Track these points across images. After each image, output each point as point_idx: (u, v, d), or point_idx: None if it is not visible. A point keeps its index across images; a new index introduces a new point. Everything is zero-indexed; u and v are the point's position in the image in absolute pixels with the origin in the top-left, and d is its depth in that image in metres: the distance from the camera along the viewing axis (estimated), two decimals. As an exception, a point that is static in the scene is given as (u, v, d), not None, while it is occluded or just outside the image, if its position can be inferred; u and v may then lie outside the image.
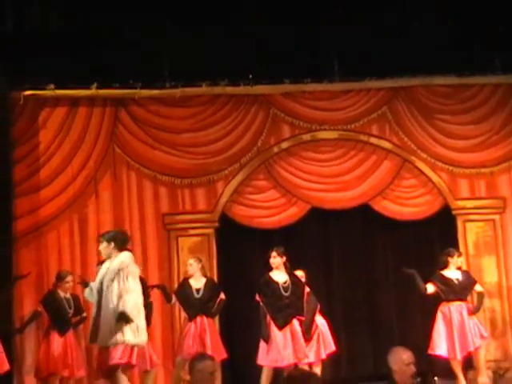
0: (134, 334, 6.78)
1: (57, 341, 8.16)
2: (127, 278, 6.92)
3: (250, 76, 9.55)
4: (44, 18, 8.35)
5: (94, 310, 6.93)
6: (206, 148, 9.66)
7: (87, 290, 7.11)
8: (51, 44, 8.60)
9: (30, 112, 9.30)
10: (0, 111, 8.83)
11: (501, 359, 9.50)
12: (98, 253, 7.27)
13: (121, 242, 7.07)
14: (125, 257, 7.02)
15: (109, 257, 6.99)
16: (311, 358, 8.35)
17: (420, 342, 8.50)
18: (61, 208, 9.28)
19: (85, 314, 8.62)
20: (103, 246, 7.03)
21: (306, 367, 8.19)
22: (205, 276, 8.79)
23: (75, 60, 8.72)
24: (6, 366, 7.92)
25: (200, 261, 8.83)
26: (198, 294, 8.59)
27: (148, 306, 8.20)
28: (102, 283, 6.88)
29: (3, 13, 8.09)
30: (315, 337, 8.44)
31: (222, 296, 8.65)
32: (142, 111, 9.57)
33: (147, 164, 9.55)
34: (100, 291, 6.87)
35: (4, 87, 8.90)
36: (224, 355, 8.44)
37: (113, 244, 7.01)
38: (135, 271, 7.02)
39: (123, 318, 6.72)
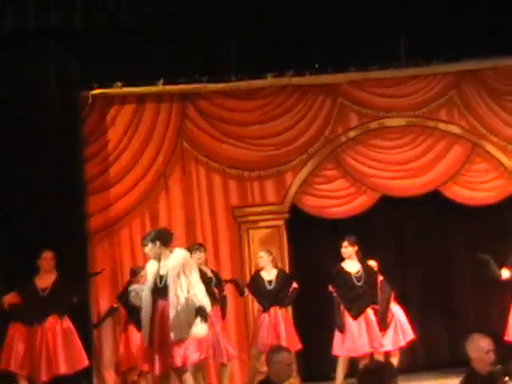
0: (203, 325, 6.94)
1: (135, 335, 8.27)
2: (191, 271, 7.06)
3: (316, 65, 9.51)
4: (111, 17, 8.43)
5: (147, 310, 7.04)
6: (273, 139, 9.66)
7: (132, 294, 7.24)
8: (118, 42, 8.71)
9: (99, 110, 9.43)
10: (70, 111, 8.95)
11: None
12: (146, 255, 7.33)
13: (166, 239, 7.20)
14: (183, 252, 7.20)
15: (157, 257, 7.10)
16: (389, 346, 8.32)
17: (497, 328, 8.35)
18: (132, 205, 9.40)
19: None
20: (149, 248, 7.13)
21: (382, 357, 8.16)
22: (276, 267, 8.81)
23: (141, 57, 8.82)
24: (86, 362, 8.07)
25: (271, 253, 8.85)
26: (270, 285, 8.62)
27: (222, 299, 8.31)
28: (156, 282, 7.04)
29: (73, 11, 8.20)
30: (392, 325, 8.40)
31: (295, 285, 8.66)
32: (209, 105, 9.62)
33: (215, 158, 9.61)
34: (156, 290, 7.01)
35: (73, 87, 9.03)
36: (299, 346, 8.46)
37: (158, 243, 7.12)
38: (194, 265, 7.23)
39: (202, 312, 6.83)
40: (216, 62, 9.16)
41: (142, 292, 7.24)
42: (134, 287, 7.51)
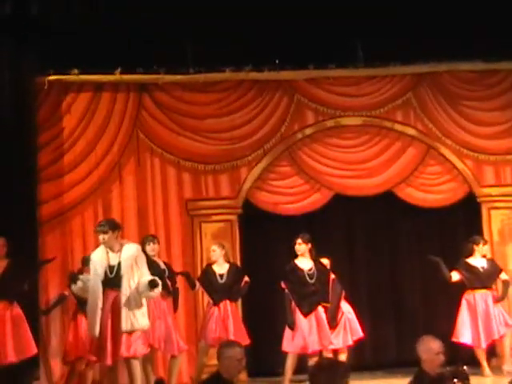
0: (146, 318, 7.06)
1: (84, 324, 8.18)
2: (142, 264, 7.14)
3: (276, 61, 9.50)
4: (68, 2, 8.32)
5: (97, 300, 7.01)
6: (229, 134, 9.63)
7: (79, 283, 7.23)
8: (75, 28, 8.59)
9: (55, 97, 9.29)
10: (24, 97, 8.80)
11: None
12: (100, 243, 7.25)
13: (120, 230, 7.35)
14: (136, 244, 7.31)
15: (110, 245, 7.11)
16: (338, 344, 8.35)
17: (444, 329, 8.47)
18: (85, 193, 9.29)
19: None
20: (109, 235, 7.13)
21: (331, 354, 8.20)
22: (228, 262, 8.79)
23: (99, 45, 8.70)
24: (34, 350, 7.97)
25: (223, 247, 8.83)
26: (221, 279, 8.60)
27: (175, 291, 8.26)
28: (106, 272, 7.05)
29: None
30: (342, 323, 8.44)
31: (247, 279, 8.66)
32: (166, 97, 9.54)
33: (171, 150, 9.54)
34: (106, 280, 7.03)
35: (28, 72, 8.88)
36: (247, 341, 8.44)
37: (117, 232, 7.18)
38: (144, 257, 7.30)
39: (154, 284, 6.99)
40: (174, 53, 9.08)
41: (88, 282, 7.18)
42: (81, 277, 7.42)
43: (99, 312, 7.01)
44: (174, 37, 8.86)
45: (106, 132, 9.38)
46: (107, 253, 7.16)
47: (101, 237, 7.18)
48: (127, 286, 7.02)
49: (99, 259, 7.14)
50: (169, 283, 8.15)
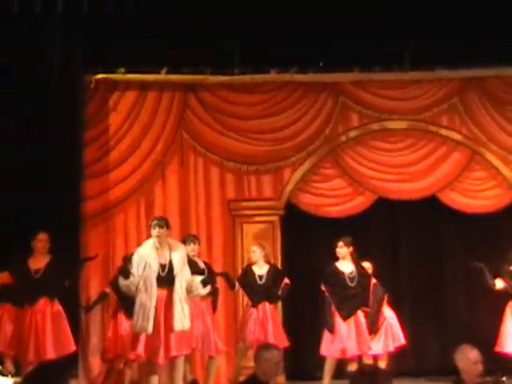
0: (188, 318, 7.18)
1: (124, 323, 8.23)
2: (186, 264, 7.25)
3: (320, 64, 9.48)
4: (119, 2, 8.39)
5: (151, 297, 7.02)
6: (273, 135, 9.63)
7: (131, 278, 7.15)
8: (123, 28, 8.66)
9: (101, 95, 9.39)
10: (72, 94, 8.92)
11: None
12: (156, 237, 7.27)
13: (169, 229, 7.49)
14: (182, 244, 7.44)
15: (161, 242, 7.17)
16: (379, 350, 8.30)
17: (488, 338, 8.36)
18: (129, 191, 9.37)
19: None
20: (164, 231, 7.21)
21: (371, 360, 8.15)
22: (268, 263, 8.78)
23: (146, 44, 8.76)
24: (73, 347, 8.04)
25: (263, 248, 8.82)
26: (260, 280, 8.59)
27: (214, 291, 8.28)
28: (158, 270, 7.07)
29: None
30: (383, 329, 8.38)
31: (287, 280, 8.62)
32: (211, 97, 9.58)
33: (214, 150, 9.57)
34: (159, 279, 7.04)
35: (76, 70, 8.99)
36: (286, 343, 8.42)
37: (168, 230, 7.32)
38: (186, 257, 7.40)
39: (206, 282, 7.29)
40: (220, 54, 9.11)
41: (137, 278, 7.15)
42: (133, 272, 7.41)
43: (153, 310, 7.03)
44: (221, 37, 8.88)
45: (150, 131, 9.45)
46: (156, 249, 7.18)
47: (156, 230, 7.19)
48: (179, 286, 7.09)
49: (151, 255, 7.13)
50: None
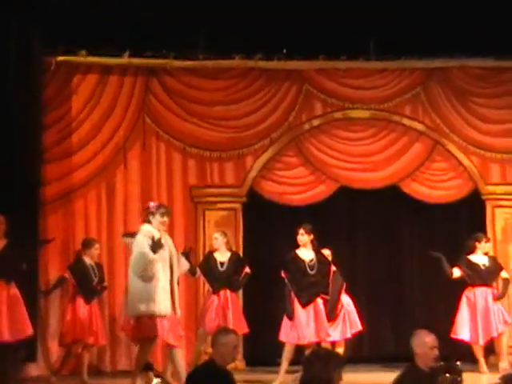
0: None
1: (83, 308, 8.20)
2: None
3: (284, 51, 9.47)
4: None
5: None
6: (236, 122, 9.62)
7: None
8: (85, 9, 8.57)
9: (62, 78, 9.28)
10: (32, 76, 8.79)
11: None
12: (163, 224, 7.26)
13: None
14: None
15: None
16: (336, 336, 8.35)
17: (443, 325, 8.45)
18: (89, 175, 9.30)
19: (106, 284, 8.68)
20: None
21: (329, 346, 8.19)
22: (230, 250, 8.78)
23: (108, 27, 8.67)
24: (30, 331, 7.96)
25: (225, 235, 8.82)
26: (222, 267, 8.59)
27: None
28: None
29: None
30: (341, 316, 8.44)
31: (247, 270, 8.64)
32: (174, 82, 9.53)
33: (177, 135, 9.53)
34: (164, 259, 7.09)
35: (37, 52, 8.87)
36: (245, 329, 8.45)
37: None
38: None
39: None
40: (184, 38, 9.05)
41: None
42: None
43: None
44: (185, 22, 8.83)
45: (112, 115, 9.38)
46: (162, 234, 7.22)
47: (165, 219, 7.22)
48: (177, 273, 7.33)
49: (161, 240, 7.10)
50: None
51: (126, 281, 7.97)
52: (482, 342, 8.37)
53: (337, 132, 9.76)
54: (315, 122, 9.73)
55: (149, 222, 7.18)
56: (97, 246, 8.61)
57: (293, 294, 8.05)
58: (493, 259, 8.75)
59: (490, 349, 8.63)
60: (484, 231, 9.35)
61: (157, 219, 7.16)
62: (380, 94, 9.76)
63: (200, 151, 9.55)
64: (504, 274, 8.73)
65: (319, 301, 8.07)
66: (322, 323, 8.03)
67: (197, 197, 9.56)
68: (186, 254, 8.58)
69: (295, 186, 9.69)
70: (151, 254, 6.99)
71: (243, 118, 9.62)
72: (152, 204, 7.44)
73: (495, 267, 8.65)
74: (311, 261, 8.16)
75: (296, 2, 8.85)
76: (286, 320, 8.08)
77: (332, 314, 8.25)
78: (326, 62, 9.60)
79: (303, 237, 8.23)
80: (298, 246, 8.34)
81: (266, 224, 9.66)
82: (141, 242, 7.06)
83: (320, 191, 9.67)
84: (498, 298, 8.53)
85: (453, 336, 8.42)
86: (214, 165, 9.61)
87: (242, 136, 9.60)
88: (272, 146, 9.64)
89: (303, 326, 7.95)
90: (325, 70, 9.68)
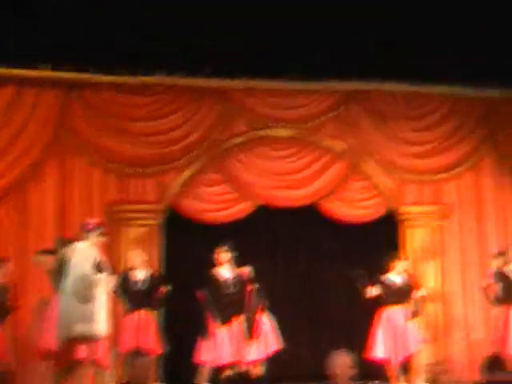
0: None
1: None
2: None
3: (208, 68, 9.49)
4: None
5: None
6: (158, 138, 9.56)
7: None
8: (5, 21, 8.41)
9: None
10: None
11: (436, 363, 9.64)
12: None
13: None
14: None
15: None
16: (255, 355, 8.35)
17: (361, 344, 8.55)
18: (3, 190, 9.06)
19: (17, 304, 8.43)
20: None
21: (247, 366, 8.18)
22: (148, 268, 8.70)
23: (27, 38, 8.53)
24: None
25: (144, 252, 8.74)
26: (139, 285, 8.50)
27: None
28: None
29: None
30: (259, 335, 8.43)
31: (166, 288, 8.56)
32: (95, 97, 9.41)
33: (97, 151, 9.40)
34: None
35: None
36: (160, 350, 8.31)
37: None
38: None
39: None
40: (107, 53, 8.96)
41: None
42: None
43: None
44: (109, 36, 8.76)
45: (28, 129, 9.16)
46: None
47: (102, 238, 7.21)
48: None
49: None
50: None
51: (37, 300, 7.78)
52: (398, 360, 8.51)
53: (258, 150, 9.82)
54: (237, 140, 9.77)
55: (84, 239, 7.09)
56: (7, 264, 8.35)
57: (211, 313, 8.03)
58: (408, 278, 8.91)
59: (406, 367, 8.77)
60: (400, 250, 9.54)
61: (94, 238, 7.12)
62: (302, 114, 9.87)
63: (120, 167, 9.46)
64: (420, 293, 8.91)
65: (237, 320, 8.08)
66: (240, 342, 8.03)
67: (116, 213, 9.44)
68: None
69: (216, 203, 9.69)
70: (94, 276, 6.92)
71: (165, 135, 9.58)
72: (90, 221, 7.38)
73: (410, 286, 8.82)
74: (230, 279, 8.17)
75: (219, 20, 8.88)
76: (203, 340, 8.05)
77: (250, 333, 8.26)
78: (249, 80, 9.65)
79: (222, 255, 8.24)
80: (216, 264, 8.34)
81: (186, 241, 9.62)
82: (80, 263, 6.96)
83: (241, 209, 9.70)
84: (413, 316, 8.69)
85: (370, 355, 8.53)
86: (135, 181, 9.52)
87: (164, 152, 9.55)
88: (194, 163, 9.63)
89: (221, 345, 7.94)
90: (248, 88, 9.74)
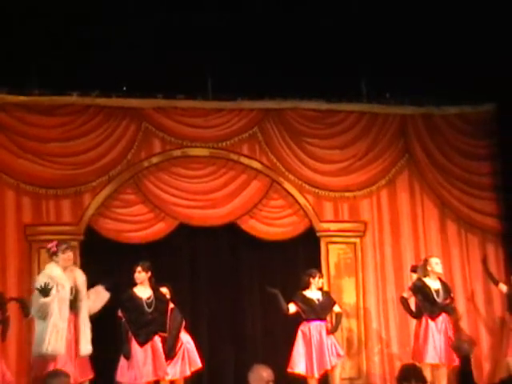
0: None
1: None
2: None
3: (124, 88, 9.46)
4: None
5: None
6: (73, 159, 9.45)
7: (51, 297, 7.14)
8: None
9: None
10: None
11: (355, 377, 9.78)
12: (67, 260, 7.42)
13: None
14: None
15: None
16: (176, 375, 8.30)
17: (281, 360, 8.60)
18: None
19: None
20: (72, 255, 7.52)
21: (167, 384, 8.13)
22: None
23: None
24: None
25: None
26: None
27: (4, 321, 7.89)
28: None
29: None
30: (180, 353, 8.40)
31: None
32: (7, 117, 9.26)
33: (10, 172, 9.24)
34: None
35: None
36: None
37: None
38: None
39: None
40: (18, 73, 8.84)
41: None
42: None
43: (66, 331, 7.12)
44: (19, 56, 8.64)
45: None
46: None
47: (68, 254, 7.44)
48: (85, 309, 7.55)
49: (63, 277, 7.21)
50: (-1, 312, 7.84)
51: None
52: (316, 374, 8.57)
53: (176, 170, 9.81)
54: (154, 160, 9.74)
55: (56, 261, 7.33)
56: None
57: (130, 333, 7.94)
58: (326, 294, 9.01)
59: (325, 381, 8.85)
60: (319, 267, 9.64)
61: (61, 257, 7.30)
62: (218, 133, 9.92)
63: (35, 188, 9.31)
64: (337, 309, 9.01)
65: (157, 339, 8.02)
66: (160, 361, 7.97)
67: (32, 235, 9.27)
68: (22, 301, 8.32)
69: (134, 223, 9.61)
70: (41, 298, 7.09)
71: (81, 155, 9.48)
72: (50, 245, 7.55)
73: (329, 302, 8.92)
74: (149, 298, 8.11)
75: (134, 40, 8.86)
76: (123, 360, 7.95)
77: (171, 352, 8.21)
78: (163, 100, 9.66)
79: (141, 274, 8.18)
80: (135, 284, 8.26)
81: (104, 262, 9.46)
82: (36, 284, 7.27)
83: (159, 229, 9.65)
84: (331, 331, 8.78)
85: (289, 370, 8.58)
86: (50, 202, 9.39)
87: (80, 173, 9.45)
88: (110, 183, 9.55)
89: (140, 365, 7.86)
90: (163, 108, 9.74)
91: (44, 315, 7.10)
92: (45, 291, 7.13)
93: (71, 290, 7.29)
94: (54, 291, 7.14)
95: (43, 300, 7.10)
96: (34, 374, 7.12)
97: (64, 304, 7.13)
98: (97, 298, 7.73)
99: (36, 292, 7.26)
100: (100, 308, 7.87)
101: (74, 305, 7.25)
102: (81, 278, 7.42)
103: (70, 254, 7.33)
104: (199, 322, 9.44)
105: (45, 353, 7.10)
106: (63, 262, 7.27)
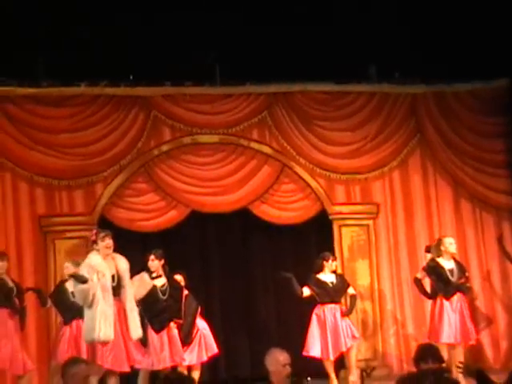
0: None
1: None
2: None
3: (131, 77, 9.47)
4: None
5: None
6: (84, 149, 9.50)
7: (89, 284, 7.18)
8: None
9: None
10: None
11: (370, 358, 9.81)
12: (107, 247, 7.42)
13: None
14: None
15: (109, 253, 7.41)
16: (193, 360, 8.34)
17: (296, 343, 8.64)
18: None
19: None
20: (112, 242, 7.46)
21: (185, 370, 8.18)
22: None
23: None
24: None
25: (77, 264, 8.62)
26: (73, 297, 8.41)
27: (21, 310, 8.01)
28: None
29: None
30: (197, 339, 8.44)
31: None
32: (18, 110, 9.32)
33: (23, 165, 9.31)
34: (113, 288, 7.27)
35: None
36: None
37: None
38: None
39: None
40: (27, 65, 8.88)
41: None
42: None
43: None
44: (27, 49, 8.67)
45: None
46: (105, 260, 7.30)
47: (107, 242, 7.39)
48: (130, 295, 7.48)
49: (102, 265, 7.25)
50: (16, 301, 7.92)
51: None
52: (332, 357, 8.60)
53: (186, 157, 9.83)
54: (164, 148, 9.77)
55: (96, 249, 7.39)
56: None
57: (146, 320, 8.01)
58: (340, 277, 9.02)
59: (341, 363, 8.89)
60: (331, 250, 9.63)
61: (100, 245, 7.33)
62: (227, 119, 9.92)
63: (48, 180, 9.37)
64: (351, 291, 9.03)
65: (173, 325, 8.07)
66: (177, 347, 8.02)
67: (46, 226, 9.35)
68: (38, 291, 8.42)
69: (146, 212, 9.66)
70: (81, 285, 7.20)
71: (91, 146, 9.52)
72: (90, 234, 7.68)
73: (343, 284, 8.92)
74: (163, 286, 8.15)
75: (141, 28, 8.87)
76: (142, 346, 8.02)
77: (187, 338, 8.26)
78: (171, 87, 9.67)
79: (154, 262, 8.21)
80: (150, 272, 8.31)
81: (118, 251, 9.52)
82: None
83: (171, 216, 9.69)
84: (346, 314, 8.80)
85: (305, 353, 8.61)
86: (63, 193, 9.45)
87: (91, 163, 9.49)
88: (121, 172, 9.59)
89: (157, 351, 7.92)
90: (171, 95, 9.75)
91: (88, 302, 7.15)
92: (79, 278, 7.23)
93: (113, 277, 7.31)
94: (95, 279, 7.16)
95: (81, 287, 7.19)
96: (88, 359, 7.17)
97: (106, 291, 7.17)
98: (141, 285, 7.79)
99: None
100: (144, 295, 7.91)
101: (117, 291, 7.28)
102: (123, 264, 7.42)
103: (109, 242, 7.34)
104: (212, 309, 9.49)
105: (97, 339, 7.15)
106: (103, 250, 7.32)
